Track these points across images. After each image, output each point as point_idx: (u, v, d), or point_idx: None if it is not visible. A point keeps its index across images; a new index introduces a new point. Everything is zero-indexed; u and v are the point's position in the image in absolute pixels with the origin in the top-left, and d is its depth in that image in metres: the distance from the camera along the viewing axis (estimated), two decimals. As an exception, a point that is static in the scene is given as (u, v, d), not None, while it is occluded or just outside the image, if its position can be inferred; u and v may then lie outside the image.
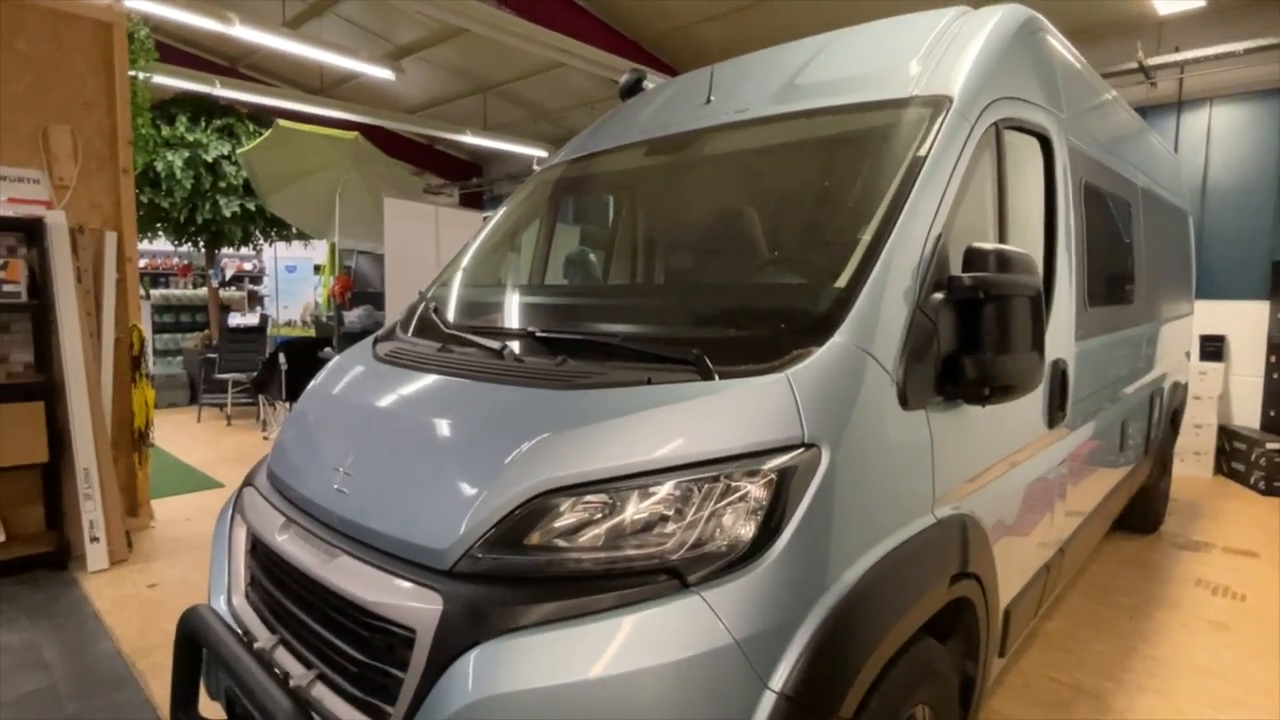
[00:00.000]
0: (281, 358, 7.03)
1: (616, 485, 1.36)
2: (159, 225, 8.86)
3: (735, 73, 2.53)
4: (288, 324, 14.18)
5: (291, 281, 14.69)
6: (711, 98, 2.43)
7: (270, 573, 1.80)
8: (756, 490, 1.35)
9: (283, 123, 6.47)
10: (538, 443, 1.42)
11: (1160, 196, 4.20)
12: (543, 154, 12.42)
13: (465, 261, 2.71)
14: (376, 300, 6.62)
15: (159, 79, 7.06)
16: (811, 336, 1.54)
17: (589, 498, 1.37)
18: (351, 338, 6.48)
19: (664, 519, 1.34)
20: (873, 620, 1.44)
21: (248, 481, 2.12)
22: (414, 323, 2.40)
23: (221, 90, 8.11)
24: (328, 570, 1.55)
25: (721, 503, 1.34)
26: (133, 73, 4.57)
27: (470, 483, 1.44)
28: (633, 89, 3.23)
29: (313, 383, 2.24)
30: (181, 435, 7.68)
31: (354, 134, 6.55)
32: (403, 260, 5.53)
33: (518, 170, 13.96)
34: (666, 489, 1.35)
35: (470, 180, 15.02)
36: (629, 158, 2.59)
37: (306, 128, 6.60)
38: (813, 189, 2.14)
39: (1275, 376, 6.52)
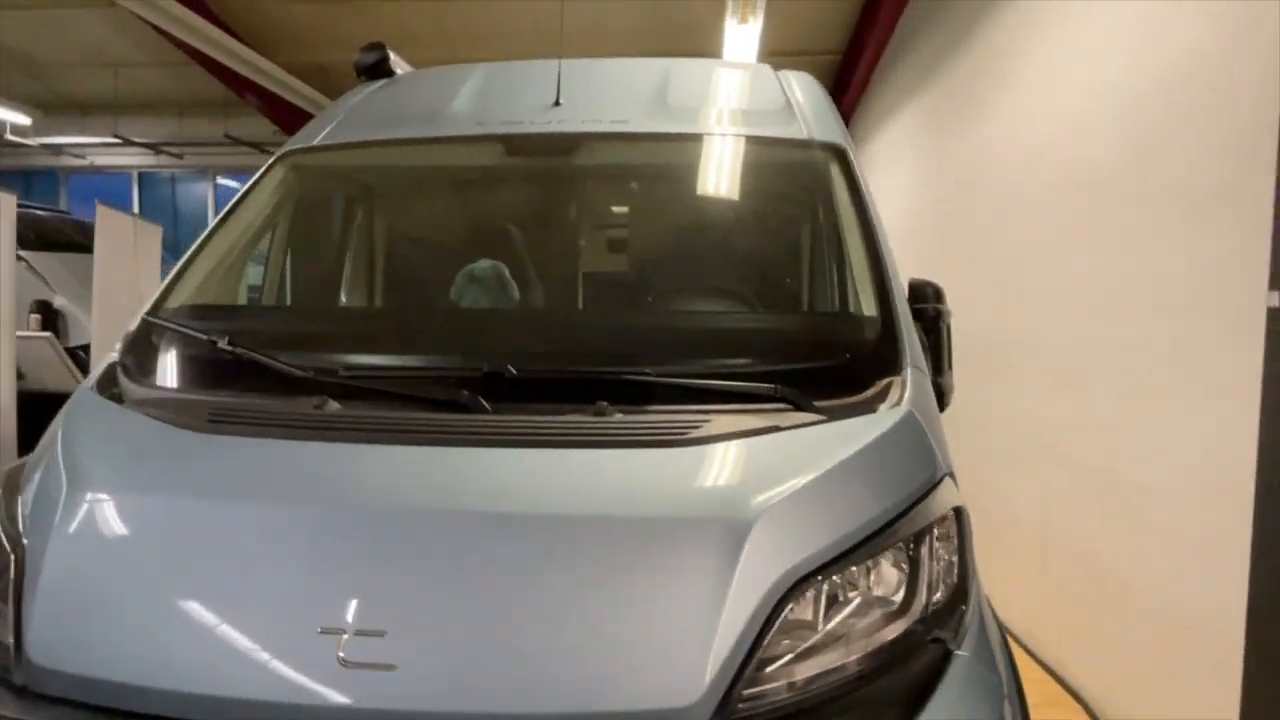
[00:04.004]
0: None
1: (862, 554, 1.16)
2: None
3: (575, 76, 2.28)
4: None
5: None
6: (560, 100, 2.18)
7: None
8: (951, 533, 1.27)
9: None
10: (763, 517, 1.13)
11: None
12: (22, 119, 9.13)
13: (213, 270, 1.98)
14: None
15: None
16: (884, 366, 1.50)
17: (843, 576, 1.15)
18: None
19: (908, 582, 1.21)
20: None
21: None
22: (188, 366, 1.65)
23: None
24: None
25: (937, 547, 1.25)
26: None
27: (678, 594, 1.09)
28: (376, 68, 2.68)
29: (91, 493, 1.26)
30: None
31: None
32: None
33: (-32, 137, 9.89)
34: (909, 544, 1.22)
35: None
36: (472, 152, 2.20)
37: None
38: (755, 217, 2.12)
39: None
